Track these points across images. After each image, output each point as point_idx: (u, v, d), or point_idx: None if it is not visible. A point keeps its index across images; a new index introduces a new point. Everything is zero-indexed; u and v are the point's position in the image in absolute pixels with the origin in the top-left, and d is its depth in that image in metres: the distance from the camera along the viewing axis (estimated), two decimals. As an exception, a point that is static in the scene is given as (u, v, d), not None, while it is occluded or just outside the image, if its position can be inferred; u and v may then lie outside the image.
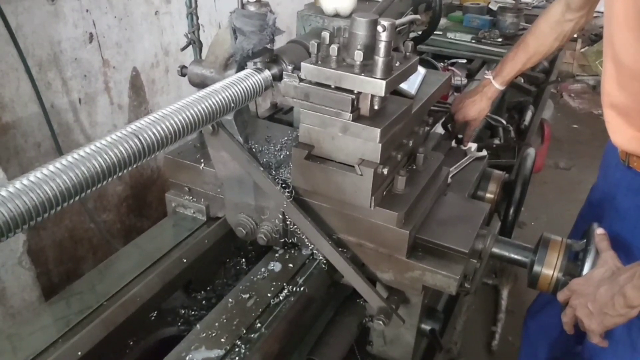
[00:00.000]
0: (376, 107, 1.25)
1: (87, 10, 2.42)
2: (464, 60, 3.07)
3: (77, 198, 0.87)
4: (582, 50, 6.81)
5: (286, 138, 1.67)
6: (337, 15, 1.60)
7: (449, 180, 1.66)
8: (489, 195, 1.80)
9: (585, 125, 5.75)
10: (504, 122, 2.39)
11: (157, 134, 0.98)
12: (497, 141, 3.39)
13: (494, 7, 3.60)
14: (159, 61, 2.91)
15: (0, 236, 0.75)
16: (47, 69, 2.32)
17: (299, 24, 1.67)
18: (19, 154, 2.31)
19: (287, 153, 1.55)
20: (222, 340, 1.17)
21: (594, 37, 6.77)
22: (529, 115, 4.01)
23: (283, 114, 2.02)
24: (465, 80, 2.80)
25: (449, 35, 3.29)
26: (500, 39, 3.23)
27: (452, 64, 3.02)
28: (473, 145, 1.96)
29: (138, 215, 3.07)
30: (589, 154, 4.90)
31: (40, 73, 2.29)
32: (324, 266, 1.42)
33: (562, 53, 5.26)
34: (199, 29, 1.51)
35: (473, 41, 3.23)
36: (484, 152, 1.87)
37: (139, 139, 0.95)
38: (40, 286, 2.33)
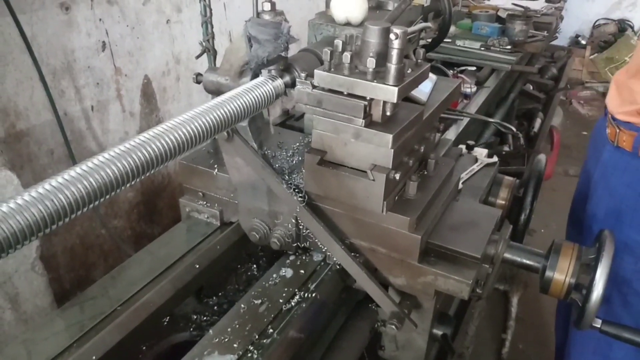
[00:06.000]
0: (388, 114, 1.26)
1: (100, 20, 2.45)
2: (474, 68, 3.08)
3: (94, 204, 0.88)
4: (592, 57, 6.80)
5: (298, 144, 1.69)
6: (348, 23, 1.61)
7: (460, 186, 1.66)
8: (500, 201, 1.80)
9: (595, 132, 5.73)
10: (514, 129, 2.39)
11: (173, 141, 1.00)
12: (506, 148, 3.40)
13: (502, 14, 3.60)
14: (170, 69, 2.94)
15: (16, 244, 0.76)
16: (60, 77, 2.36)
17: (310, 32, 1.69)
18: (32, 161, 2.34)
19: (299, 159, 1.56)
20: (235, 345, 1.17)
21: (603, 44, 6.77)
22: (538, 122, 4.02)
23: (294, 121, 2.04)
24: (474, 88, 2.81)
25: (458, 42, 3.29)
26: (509, 47, 3.23)
27: (462, 71, 3.03)
28: (483, 151, 1.96)
29: (148, 221, 3.09)
30: (598, 161, 4.87)
31: (54, 81, 2.32)
32: (338, 266, 1.42)
33: (570, 60, 5.26)
34: (213, 37, 1.53)
35: (482, 49, 3.23)
36: (495, 159, 1.88)
37: (156, 146, 0.97)
38: (52, 292, 2.35)
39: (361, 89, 1.21)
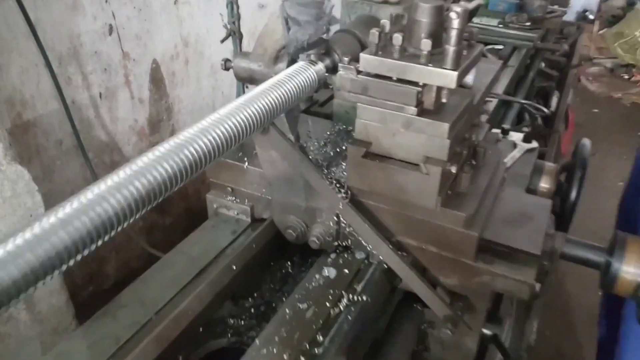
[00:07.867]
0: (444, 100, 1.15)
1: (106, 1, 2.32)
2: (501, 47, 2.95)
3: (142, 211, 0.79)
4: (601, 32, 6.66)
5: (329, 133, 1.58)
6: (385, 1, 1.49)
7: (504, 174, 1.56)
8: (542, 189, 1.70)
9: (606, 110, 5.63)
10: (545, 109, 2.28)
11: (217, 138, 0.90)
12: (524, 128, 3.30)
13: (518, -11, 3.47)
14: (179, 52, 2.81)
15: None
16: (67, 64, 2.23)
17: (343, 11, 1.56)
18: (40, 153, 2.23)
19: (336, 150, 1.46)
20: (285, 356, 1.08)
21: (611, 19, 6.63)
22: (554, 100, 3.90)
23: (319, 107, 1.92)
24: (497, 67, 2.68)
25: (475, 20, 3.16)
26: (528, 23, 3.11)
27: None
28: (520, 136, 1.86)
29: (159, 212, 2.99)
30: (611, 140, 4.78)
31: (61, 68, 2.20)
32: (385, 266, 1.32)
33: (581, 36, 5.12)
34: (239, 19, 1.42)
35: (500, 26, 3.11)
36: (535, 144, 1.78)
37: (203, 143, 0.88)
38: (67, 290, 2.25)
39: (414, 74, 1.11)
